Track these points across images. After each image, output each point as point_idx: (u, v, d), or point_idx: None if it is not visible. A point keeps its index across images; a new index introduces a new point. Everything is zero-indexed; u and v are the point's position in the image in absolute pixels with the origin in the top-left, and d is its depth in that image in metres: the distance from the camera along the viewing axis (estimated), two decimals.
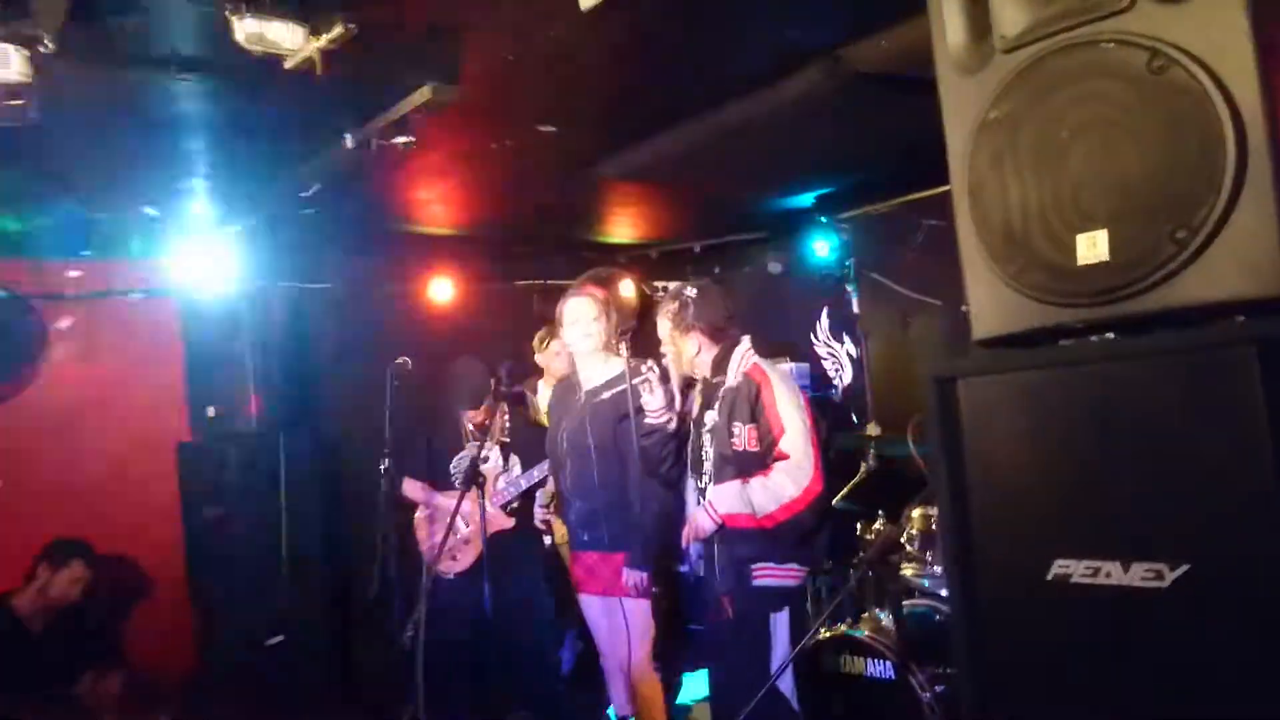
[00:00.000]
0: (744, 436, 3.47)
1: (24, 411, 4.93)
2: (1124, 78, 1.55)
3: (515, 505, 4.40)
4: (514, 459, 4.47)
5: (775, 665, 3.38)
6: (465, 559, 4.40)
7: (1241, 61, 1.45)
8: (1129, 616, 1.57)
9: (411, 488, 4.63)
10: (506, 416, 4.47)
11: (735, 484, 3.46)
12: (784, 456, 3.42)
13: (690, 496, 3.76)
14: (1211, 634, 1.49)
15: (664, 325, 3.73)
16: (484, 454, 4.27)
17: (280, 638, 4.44)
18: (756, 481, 3.43)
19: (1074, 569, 1.62)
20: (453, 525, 3.95)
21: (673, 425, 3.68)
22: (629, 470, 3.74)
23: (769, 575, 3.49)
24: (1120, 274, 1.57)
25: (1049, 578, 1.65)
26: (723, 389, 3.57)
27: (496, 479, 4.42)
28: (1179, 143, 1.50)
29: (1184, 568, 1.50)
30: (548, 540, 4.35)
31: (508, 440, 4.48)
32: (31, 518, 4.61)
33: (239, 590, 4.59)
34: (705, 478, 3.62)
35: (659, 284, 6.25)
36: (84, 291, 5.16)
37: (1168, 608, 1.52)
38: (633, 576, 3.77)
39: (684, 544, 3.68)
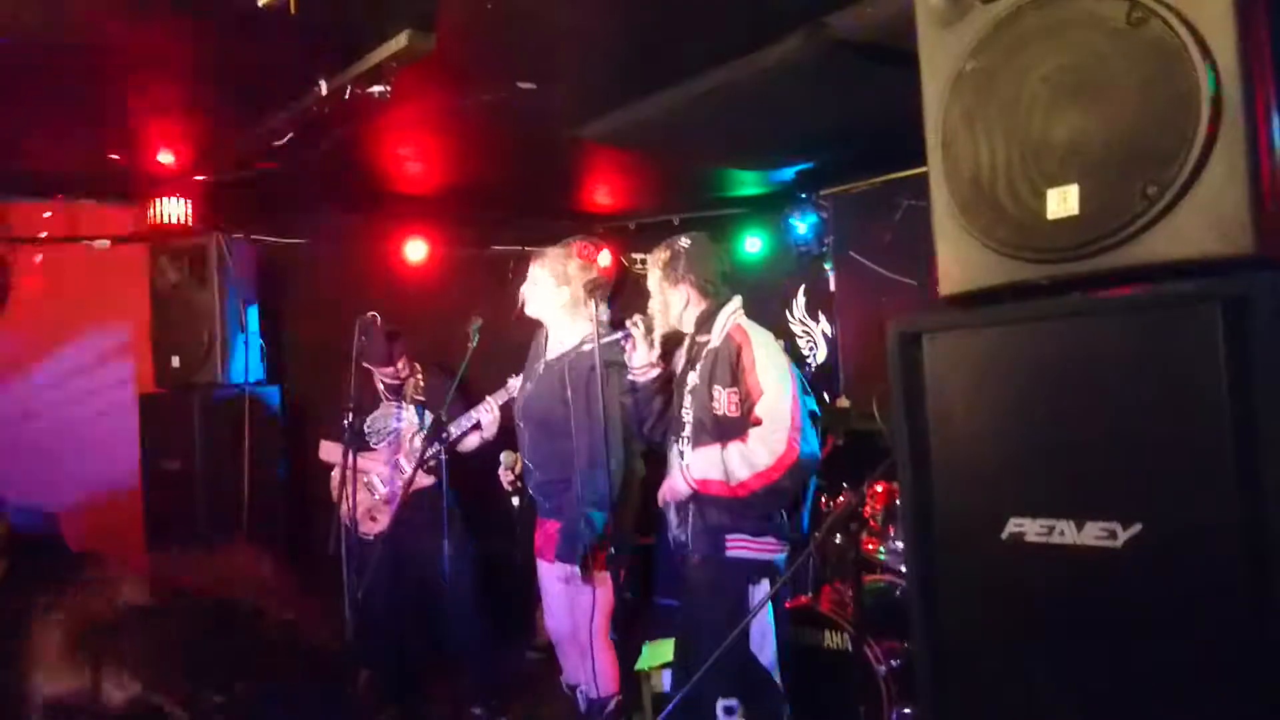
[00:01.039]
0: (723, 401, 3.31)
1: None
2: (1102, 30, 1.52)
3: (432, 463, 4.32)
4: (429, 417, 4.46)
5: (754, 637, 3.27)
6: (384, 520, 4.41)
7: (1220, 14, 1.42)
8: (1085, 581, 1.56)
9: (327, 450, 4.71)
10: (419, 376, 4.59)
11: (714, 449, 3.30)
12: (758, 422, 3.24)
13: (671, 457, 3.57)
14: (1167, 597, 1.48)
15: (654, 275, 3.57)
16: (399, 413, 4.54)
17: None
18: (734, 447, 3.26)
19: (1029, 528, 1.61)
20: (412, 480, 3.94)
21: (656, 381, 3.52)
22: (585, 443, 3.65)
23: (744, 547, 3.34)
24: (1089, 230, 1.55)
25: (1003, 536, 1.64)
26: (706, 349, 3.43)
27: (412, 438, 4.50)
28: (1154, 97, 1.47)
29: (1136, 528, 1.49)
30: (515, 501, 4.31)
31: (422, 399, 4.53)
32: None
33: (197, 543, 4.53)
34: (683, 440, 3.46)
35: (636, 255, 6.25)
36: (51, 236, 5.08)
37: (1123, 570, 1.51)
38: (562, 570, 3.71)
39: (659, 503, 3.55)
